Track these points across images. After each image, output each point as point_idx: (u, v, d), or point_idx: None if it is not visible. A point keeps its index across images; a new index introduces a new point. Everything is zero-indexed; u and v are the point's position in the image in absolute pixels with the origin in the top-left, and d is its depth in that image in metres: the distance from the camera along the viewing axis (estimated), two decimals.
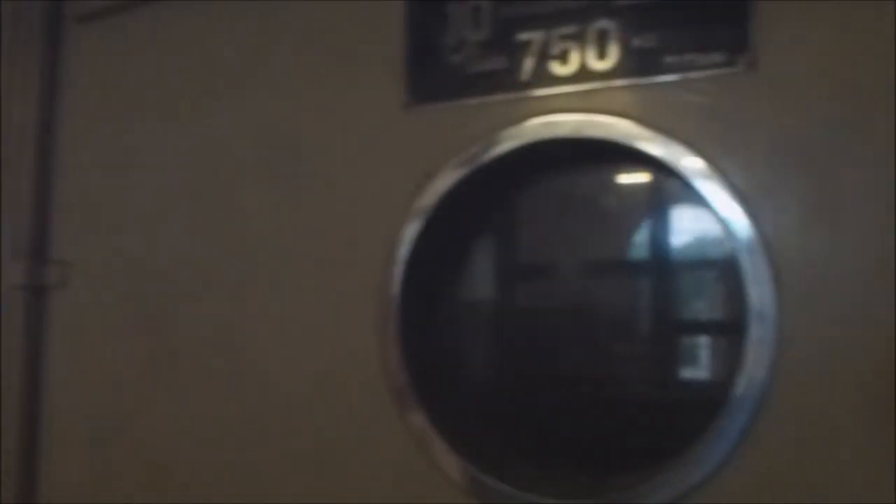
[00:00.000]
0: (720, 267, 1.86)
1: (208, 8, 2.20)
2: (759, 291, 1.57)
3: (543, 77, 1.77)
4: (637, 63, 1.69)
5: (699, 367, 1.98)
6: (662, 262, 1.97)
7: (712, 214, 1.64)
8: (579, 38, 1.74)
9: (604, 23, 1.72)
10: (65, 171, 2.41)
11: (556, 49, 1.76)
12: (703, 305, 2.01)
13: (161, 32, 2.29)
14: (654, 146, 1.66)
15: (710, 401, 1.63)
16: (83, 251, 2.36)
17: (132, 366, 2.25)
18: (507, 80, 1.81)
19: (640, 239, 2.00)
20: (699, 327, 2.00)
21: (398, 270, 1.90)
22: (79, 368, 2.34)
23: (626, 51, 1.70)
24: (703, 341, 2.00)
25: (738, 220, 1.60)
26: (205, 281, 2.16)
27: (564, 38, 1.76)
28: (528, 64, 1.79)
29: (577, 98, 1.74)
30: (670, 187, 1.85)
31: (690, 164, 1.62)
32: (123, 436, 2.25)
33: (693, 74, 1.63)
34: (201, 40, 2.22)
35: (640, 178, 1.94)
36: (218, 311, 2.14)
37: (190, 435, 2.15)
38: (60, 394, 2.36)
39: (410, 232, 1.89)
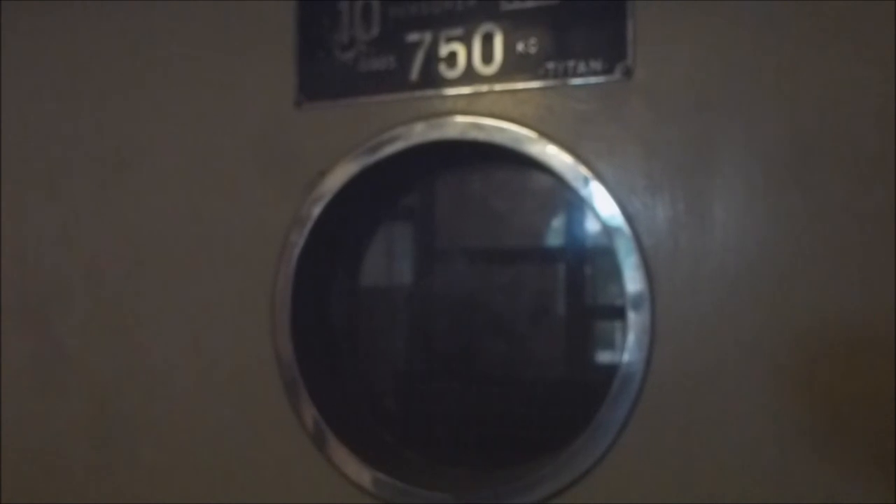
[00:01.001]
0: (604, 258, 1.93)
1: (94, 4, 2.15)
2: (634, 283, 1.66)
3: (431, 78, 1.81)
4: (520, 68, 1.74)
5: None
6: (550, 254, 2.04)
7: (593, 212, 1.73)
8: (466, 41, 1.79)
9: (489, 26, 1.77)
10: None
11: (443, 51, 1.80)
12: (595, 293, 2.06)
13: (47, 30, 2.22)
14: (536, 149, 1.72)
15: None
16: None
17: (17, 364, 2.20)
18: (396, 80, 1.84)
19: (530, 233, 2.05)
20: (595, 313, 2.06)
21: (290, 266, 1.92)
22: None
23: (510, 55, 1.75)
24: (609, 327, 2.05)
25: (615, 218, 1.68)
26: (92, 277, 2.12)
27: (451, 39, 1.80)
28: (417, 65, 1.82)
29: (463, 100, 1.79)
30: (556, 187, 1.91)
31: (570, 166, 1.70)
32: (12, 433, 2.21)
33: (573, 81, 1.70)
34: (89, 36, 2.16)
35: (529, 177, 1.99)
36: (106, 306, 2.11)
37: (80, 432, 2.12)
38: None
39: (303, 228, 1.91)
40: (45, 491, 2.14)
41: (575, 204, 1.87)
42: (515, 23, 1.75)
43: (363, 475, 1.83)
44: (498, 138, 1.75)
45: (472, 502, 1.77)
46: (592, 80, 1.69)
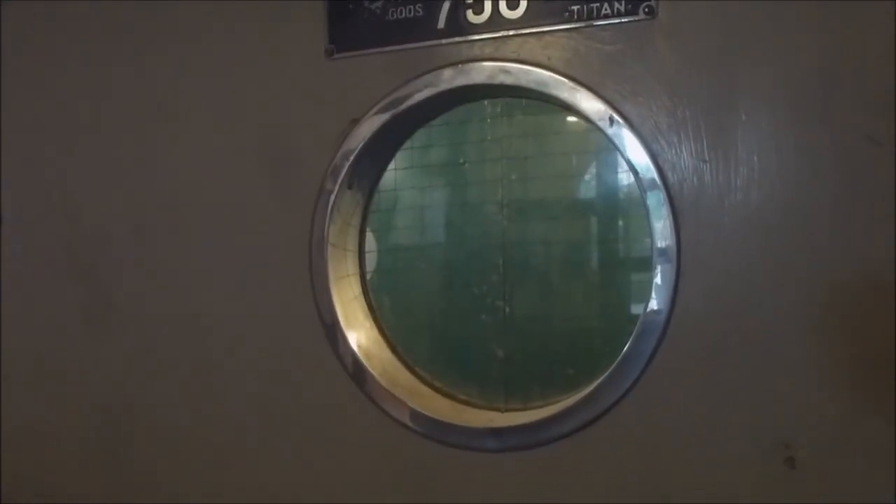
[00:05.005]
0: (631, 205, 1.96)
1: None
2: (661, 227, 1.71)
3: (458, 25, 1.85)
4: (545, 11, 1.77)
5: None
6: (583, 203, 2.07)
7: (620, 155, 1.77)
8: None
9: None
10: None
11: None
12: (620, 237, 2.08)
13: None
14: (563, 92, 1.75)
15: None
16: (15, 199, 2.38)
17: (69, 312, 2.30)
18: (424, 28, 1.88)
19: (561, 179, 2.07)
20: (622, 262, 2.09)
21: (326, 212, 1.98)
22: (16, 314, 2.37)
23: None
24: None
25: (641, 160, 1.71)
26: (139, 228, 2.21)
27: None
28: (444, 12, 1.86)
29: (490, 45, 1.83)
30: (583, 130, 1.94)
31: (595, 109, 1.73)
32: (66, 377, 2.31)
33: (597, 23, 1.73)
34: None
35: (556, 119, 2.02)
36: (153, 257, 2.19)
37: (131, 375, 2.22)
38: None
39: (337, 176, 1.97)
40: (102, 430, 2.26)
41: (602, 145, 1.90)
42: None
43: (401, 411, 1.91)
44: (525, 82, 1.79)
45: (507, 434, 1.84)
46: (616, 21, 1.71)
